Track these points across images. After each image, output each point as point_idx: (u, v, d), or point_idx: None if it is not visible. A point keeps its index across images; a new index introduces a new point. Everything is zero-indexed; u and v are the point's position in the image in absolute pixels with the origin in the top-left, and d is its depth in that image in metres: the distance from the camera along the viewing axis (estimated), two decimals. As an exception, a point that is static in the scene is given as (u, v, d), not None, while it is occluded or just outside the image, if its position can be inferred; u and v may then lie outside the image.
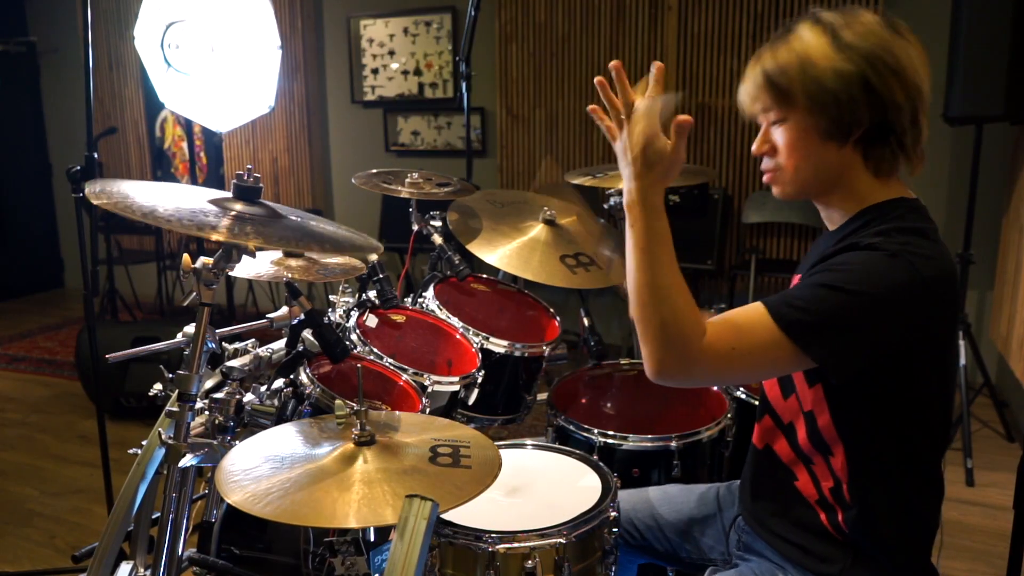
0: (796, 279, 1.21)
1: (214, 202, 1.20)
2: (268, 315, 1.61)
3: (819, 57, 1.04)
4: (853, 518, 1.11)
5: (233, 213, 1.16)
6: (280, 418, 1.46)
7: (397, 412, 1.34)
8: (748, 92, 1.12)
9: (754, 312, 1.02)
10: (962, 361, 2.87)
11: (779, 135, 1.10)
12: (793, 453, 1.18)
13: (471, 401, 1.73)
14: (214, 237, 1.08)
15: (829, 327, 0.99)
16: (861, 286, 0.99)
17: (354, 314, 1.77)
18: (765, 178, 1.16)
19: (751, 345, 1.01)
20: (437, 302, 1.84)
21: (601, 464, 1.42)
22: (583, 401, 1.88)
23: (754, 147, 1.14)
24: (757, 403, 1.27)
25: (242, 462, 1.12)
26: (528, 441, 1.53)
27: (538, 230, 1.92)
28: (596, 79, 1.11)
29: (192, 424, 1.27)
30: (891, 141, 1.06)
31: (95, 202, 1.11)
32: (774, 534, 1.21)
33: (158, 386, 1.38)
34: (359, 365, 1.57)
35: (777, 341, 0.99)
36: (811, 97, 1.04)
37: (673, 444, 1.56)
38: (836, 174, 1.09)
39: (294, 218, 1.26)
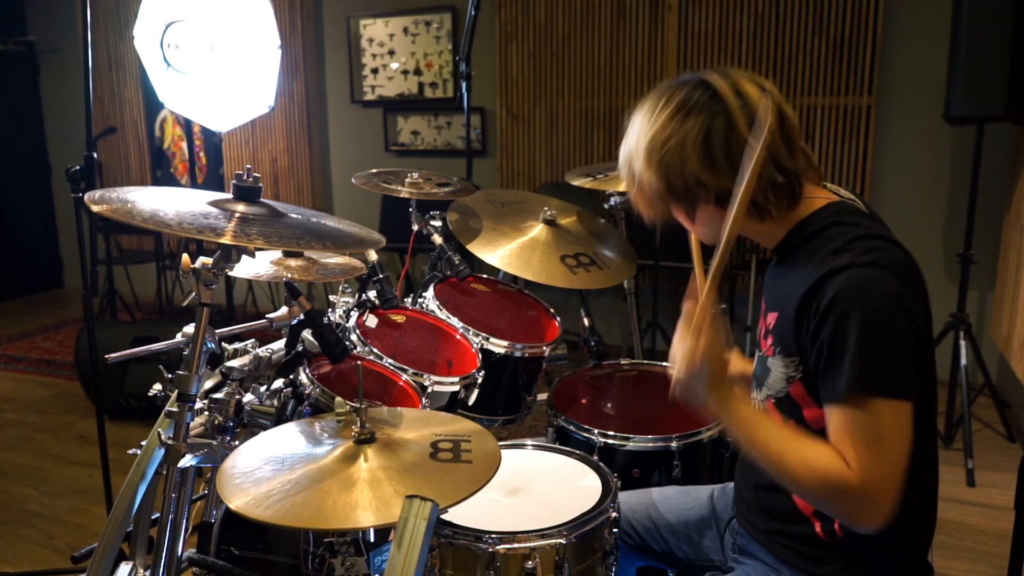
0: (772, 317, 1.19)
1: (215, 204, 1.20)
2: (268, 315, 1.60)
3: (635, 160, 1.13)
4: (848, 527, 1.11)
5: (237, 215, 1.16)
6: (280, 418, 1.46)
7: (398, 408, 1.33)
8: (620, 170, 1.20)
9: (851, 412, 0.99)
10: (963, 361, 2.86)
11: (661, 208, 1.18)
12: None
13: (471, 401, 1.72)
14: (222, 240, 1.09)
15: (900, 362, 0.99)
16: (880, 309, 0.99)
17: (354, 314, 1.76)
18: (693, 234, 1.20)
19: (884, 434, 0.98)
20: (437, 302, 1.84)
21: (601, 464, 1.41)
22: (583, 401, 1.88)
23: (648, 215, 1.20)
24: None
25: (243, 464, 1.12)
26: (528, 441, 1.53)
27: (538, 230, 1.91)
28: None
29: (191, 424, 1.27)
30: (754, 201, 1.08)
31: (95, 209, 1.11)
32: (768, 537, 1.21)
33: (157, 386, 1.38)
34: (359, 363, 1.57)
35: (894, 410, 0.98)
36: (638, 193, 1.15)
37: (674, 444, 1.55)
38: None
39: (295, 216, 1.26)
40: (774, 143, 1.06)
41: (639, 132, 1.12)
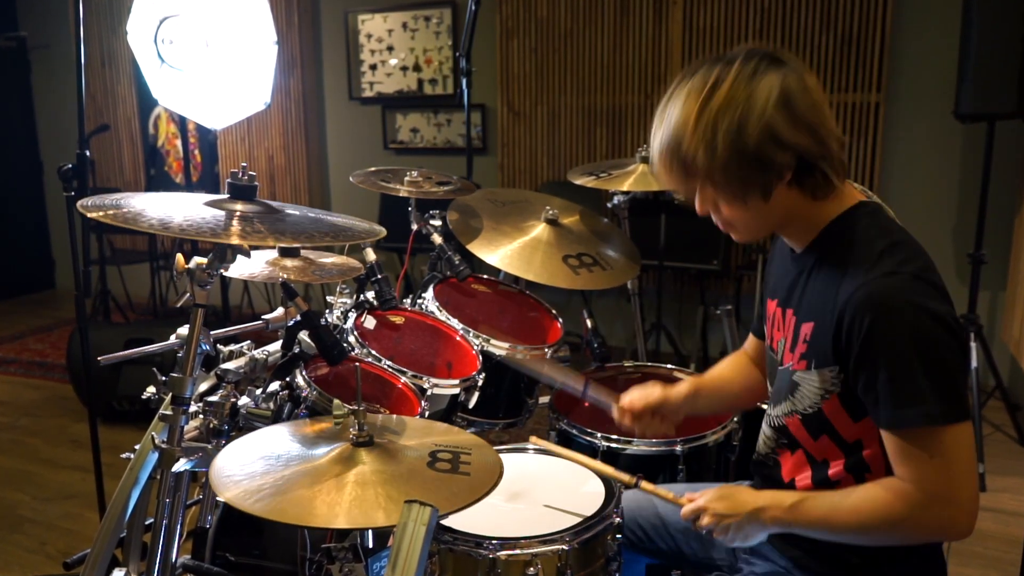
0: (772, 304, 1.22)
1: (213, 205, 1.20)
2: (264, 316, 1.60)
3: (687, 139, 1.04)
4: None
5: (237, 214, 1.17)
6: (276, 422, 1.44)
7: (404, 417, 1.33)
8: (659, 170, 1.12)
9: (915, 440, 1.01)
10: (974, 364, 2.84)
11: (711, 195, 1.11)
12: (813, 484, 1.17)
13: (471, 404, 1.71)
14: (232, 241, 1.10)
15: (960, 385, 1.01)
16: (935, 335, 1.00)
17: (352, 315, 1.75)
18: (721, 228, 1.16)
19: (948, 454, 1.00)
20: (437, 303, 1.83)
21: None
22: (586, 404, 1.84)
23: (697, 208, 1.14)
24: (772, 431, 1.25)
25: (237, 459, 1.12)
26: (530, 445, 1.51)
27: (540, 230, 1.91)
28: None
29: (186, 428, 1.27)
30: (817, 169, 1.05)
31: (90, 215, 1.12)
32: (780, 537, 1.20)
33: (151, 389, 1.37)
34: (357, 365, 1.56)
35: (958, 432, 1.00)
36: (705, 175, 1.05)
37: (678, 448, 1.55)
38: (781, 214, 1.10)
39: (292, 211, 1.26)
40: (826, 108, 1.04)
41: (692, 106, 1.03)
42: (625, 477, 1.28)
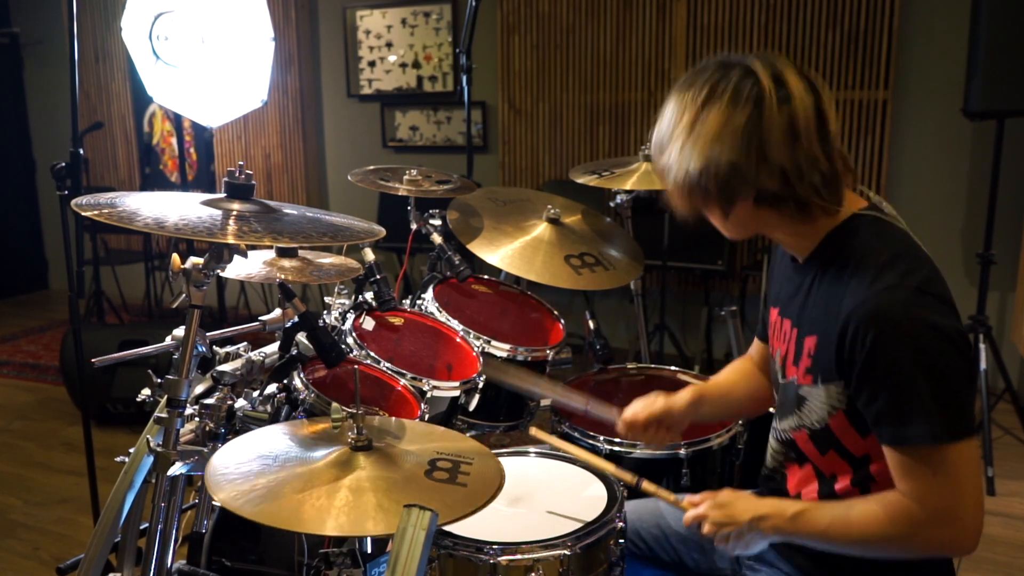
0: (774, 312, 1.22)
1: (209, 204, 1.20)
2: (261, 317, 1.58)
3: (667, 156, 1.07)
4: None
5: (234, 213, 1.17)
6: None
7: (407, 421, 1.32)
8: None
9: (917, 457, 1.00)
10: (983, 365, 2.82)
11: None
12: (819, 498, 1.17)
13: (472, 407, 1.70)
14: (228, 241, 1.10)
15: (964, 401, 1.00)
16: (939, 349, 0.98)
17: (350, 316, 1.74)
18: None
19: (951, 471, 0.99)
20: (436, 304, 1.82)
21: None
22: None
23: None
24: (779, 444, 1.24)
25: (233, 459, 1.12)
26: (531, 449, 1.51)
27: (541, 229, 1.91)
28: None
29: (182, 431, 1.26)
30: (790, 200, 1.05)
31: (84, 214, 1.12)
32: (787, 547, 1.19)
33: (146, 391, 1.37)
34: (356, 368, 1.55)
35: (962, 449, 0.99)
36: (672, 184, 1.09)
37: (682, 452, 1.54)
38: (754, 227, 1.11)
39: (289, 211, 1.26)
40: (811, 144, 1.02)
41: (676, 115, 1.07)
42: (627, 476, 1.28)
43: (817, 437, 1.13)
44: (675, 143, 1.06)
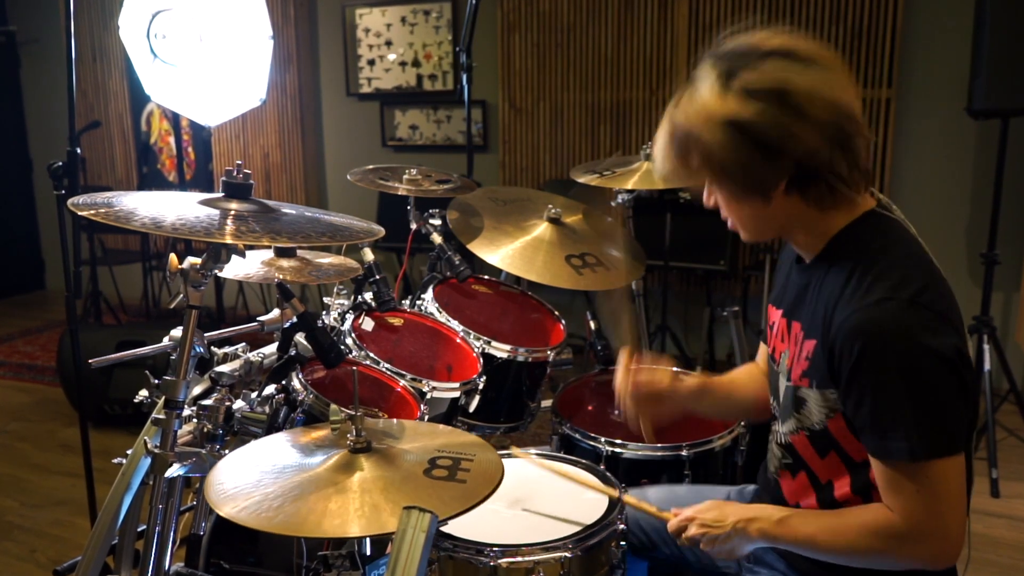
0: (776, 313, 1.22)
1: (207, 203, 1.19)
2: (259, 318, 1.58)
3: (704, 128, 1.02)
4: None
5: (233, 213, 1.16)
6: (272, 426, 1.45)
7: (407, 421, 1.32)
8: (658, 149, 1.11)
9: (902, 472, 1.01)
10: (987, 366, 2.82)
11: (713, 192, 1.11)
12: (818, 504, 1.17)
13: (472, 408, 1.70)
14: (226, 240, 1.10)
15: (951, 417, 1.00)
16: (927, 367, 0.98)
17: (349, 317, 1.74)
18: (729, 226, 1.16)
19: (936, 488, 1.00)
20: (436, 304, 1.82)
21: (608, 474, 1.39)
22: (589, 408, 1.86)
23: (704, 200, 1.14)
24: (778, 449, 1.23)
25: (233, 472, 1.11)
26: (532, 450, 1.51)
27: (542, 229, 1.90)
28: None
29: (179, 432, 1.25)
30: (822, 179, 1.04)
31: (81, 214, 1.11)
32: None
33: (144, 392, 1.36)
34: (355, 368, 1.54)
35: (947, 465, 0.99)
36: (710, 167, 1.05)
37: (684, 453, 1.54)
38: (783, 220, 1.09)
39: (288, 210, 1.25)
40: (817, 126, 1.01)
41: (714, 90, 1.02)
42: (609, 491, 1.29)
43: (817, 439, 1.12)
44: (716, 115, 1.01)
